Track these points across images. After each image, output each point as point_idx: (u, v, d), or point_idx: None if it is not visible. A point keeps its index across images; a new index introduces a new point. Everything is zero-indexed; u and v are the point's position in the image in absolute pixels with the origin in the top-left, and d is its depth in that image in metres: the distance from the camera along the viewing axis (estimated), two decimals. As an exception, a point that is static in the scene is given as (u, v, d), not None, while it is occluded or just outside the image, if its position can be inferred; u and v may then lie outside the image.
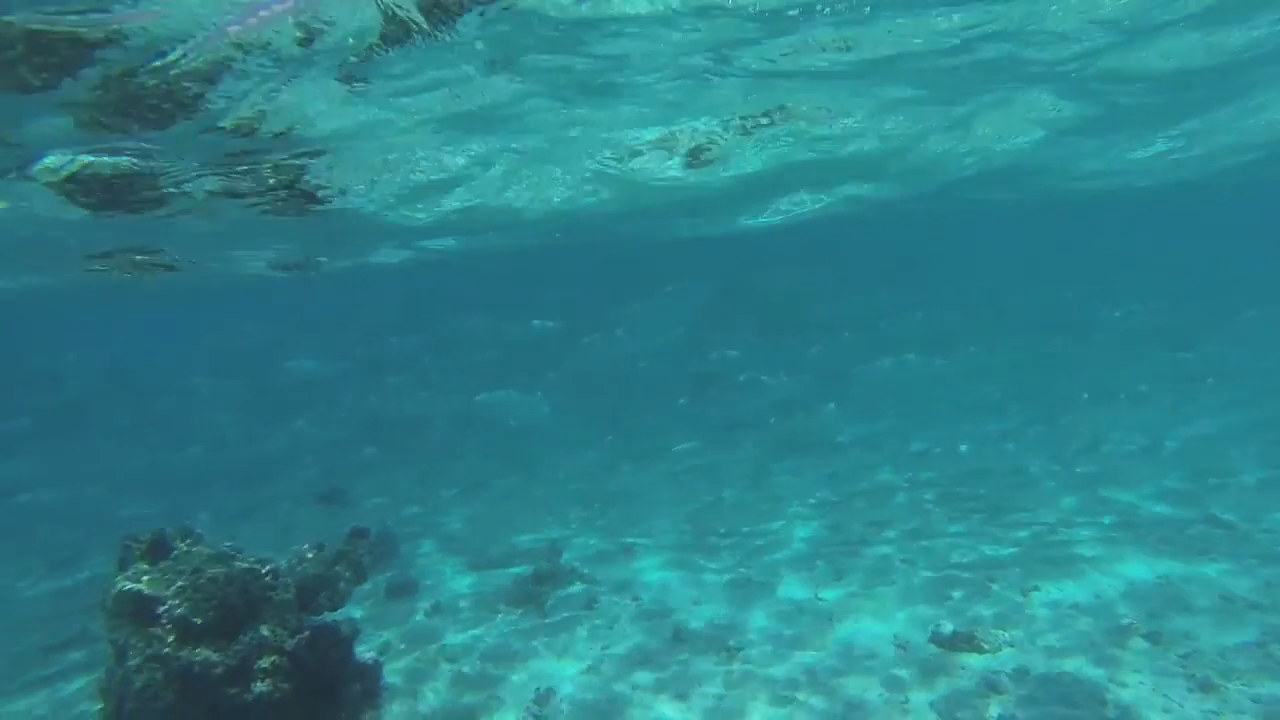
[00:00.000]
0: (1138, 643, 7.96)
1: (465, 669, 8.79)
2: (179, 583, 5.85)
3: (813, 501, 14.57)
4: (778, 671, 8.11)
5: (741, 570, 11.12)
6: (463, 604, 10.78)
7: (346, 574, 7.20)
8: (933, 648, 8.23)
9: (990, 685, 7.39)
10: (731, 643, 8.80)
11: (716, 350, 28.42)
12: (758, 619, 9.43)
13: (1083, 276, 37.57)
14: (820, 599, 9.82)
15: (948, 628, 8.37)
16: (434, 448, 23.08)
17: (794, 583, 10.44)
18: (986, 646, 8.03)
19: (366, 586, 8.20)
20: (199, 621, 5.79)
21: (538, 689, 8.12)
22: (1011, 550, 10.85)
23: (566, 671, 8.52)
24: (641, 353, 30.12)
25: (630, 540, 13.11)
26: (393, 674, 8.35)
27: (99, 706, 6.29)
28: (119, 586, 5.82)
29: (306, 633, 6.27)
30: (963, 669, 7.75)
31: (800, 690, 7.70)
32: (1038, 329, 30.24)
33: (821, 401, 23.22)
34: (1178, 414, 18.86)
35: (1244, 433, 16.41)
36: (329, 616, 6.79)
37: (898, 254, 35.53)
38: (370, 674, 7.10)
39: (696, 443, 20.51)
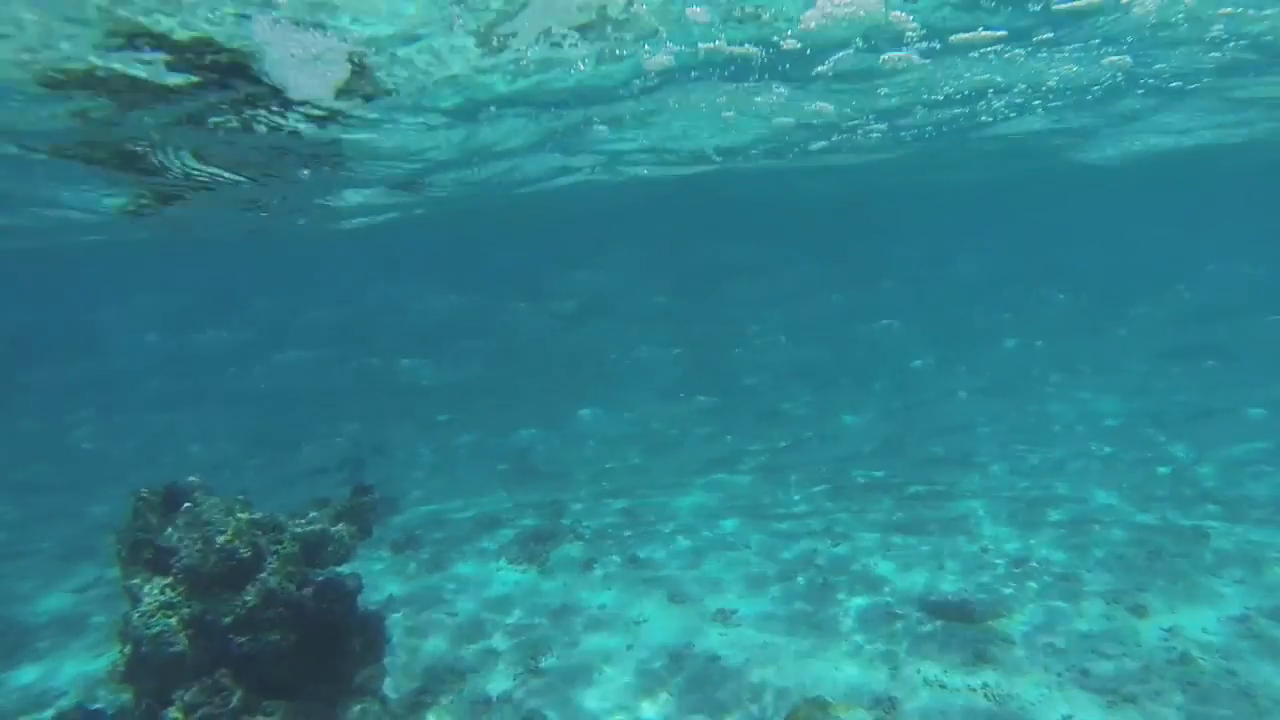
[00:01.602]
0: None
1: (465, 621, 9.08)
2: (191, 534, 6.00)
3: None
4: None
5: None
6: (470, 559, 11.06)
7: (351, 529, 7.36)
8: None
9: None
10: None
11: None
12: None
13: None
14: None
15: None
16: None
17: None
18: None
19: (370, 540, 8.38)
20: (207, 571, 5.95)
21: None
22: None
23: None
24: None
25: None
26: (395, 626, 8.61)
27: (118, 649, 6.51)
28: (131, 537, 5.98)
29: (311, 586, 6.45)
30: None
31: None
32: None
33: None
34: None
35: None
36: (334, 570, 6.96)
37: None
38: (373, 627, 7.30)
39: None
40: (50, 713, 7.76)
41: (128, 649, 6.27)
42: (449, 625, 9.02)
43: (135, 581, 6.03)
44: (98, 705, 7.45)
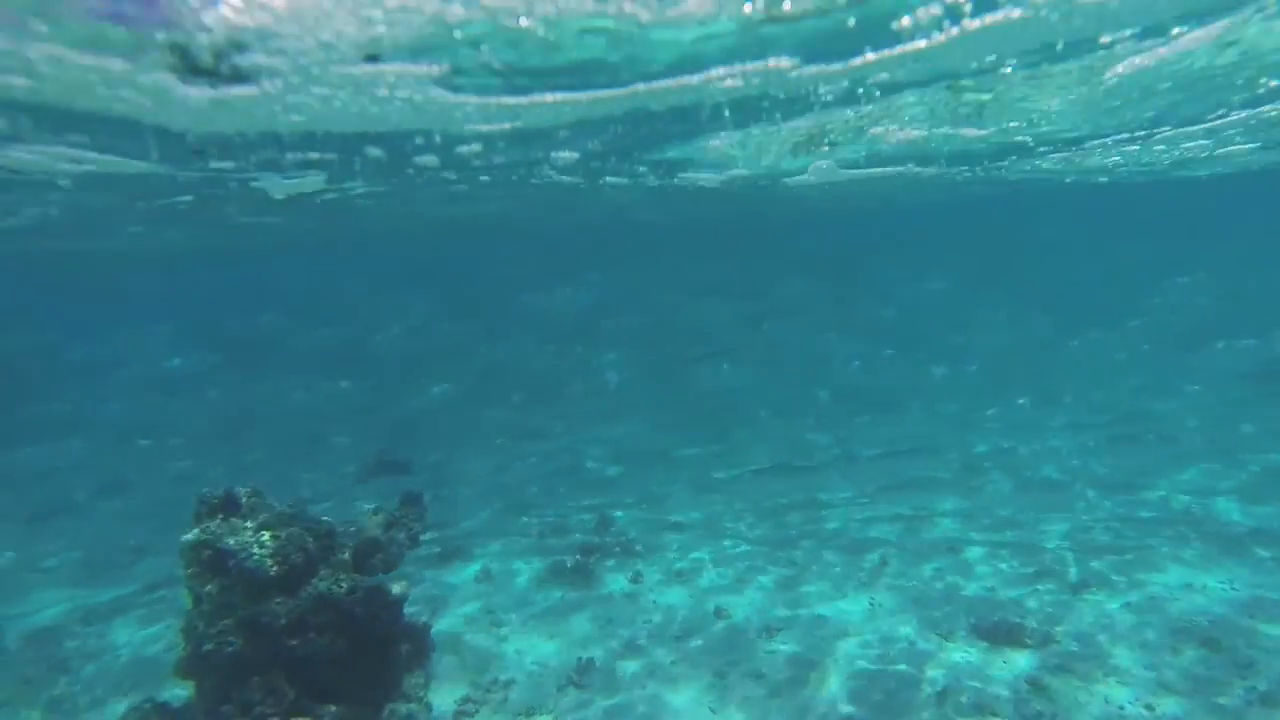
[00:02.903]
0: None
1: (511, 631, 9.16)
2: (246, 538, 6.26)
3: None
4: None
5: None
6: (516, 574, 11.17)
7: (400, 537, 7.55)
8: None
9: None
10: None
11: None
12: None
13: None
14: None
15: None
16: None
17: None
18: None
19: (419, 550, 8.57)
20: (262, 575, 6.20)
21: (579, 658, 8.39)
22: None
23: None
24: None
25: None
26: (441, 635, 8.75)
27: (181, 647, 6.84)
28: (192, 539, 6.28)
29: (360, 592, 6.63)
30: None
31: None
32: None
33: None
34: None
35: None
36: (382, 577, 7.14)
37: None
38: (419, 634, 7.46)
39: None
40: (123, 706, 8.19)
41: (190, 646, 6.57)
42: (494, 636, 9.12)
43: (196, 582, 6.33)
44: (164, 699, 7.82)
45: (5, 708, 8.53)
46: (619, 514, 13.68)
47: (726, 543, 11.88)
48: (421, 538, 7.81)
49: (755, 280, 35.24)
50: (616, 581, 10.51)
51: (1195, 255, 37.48)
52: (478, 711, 7.59)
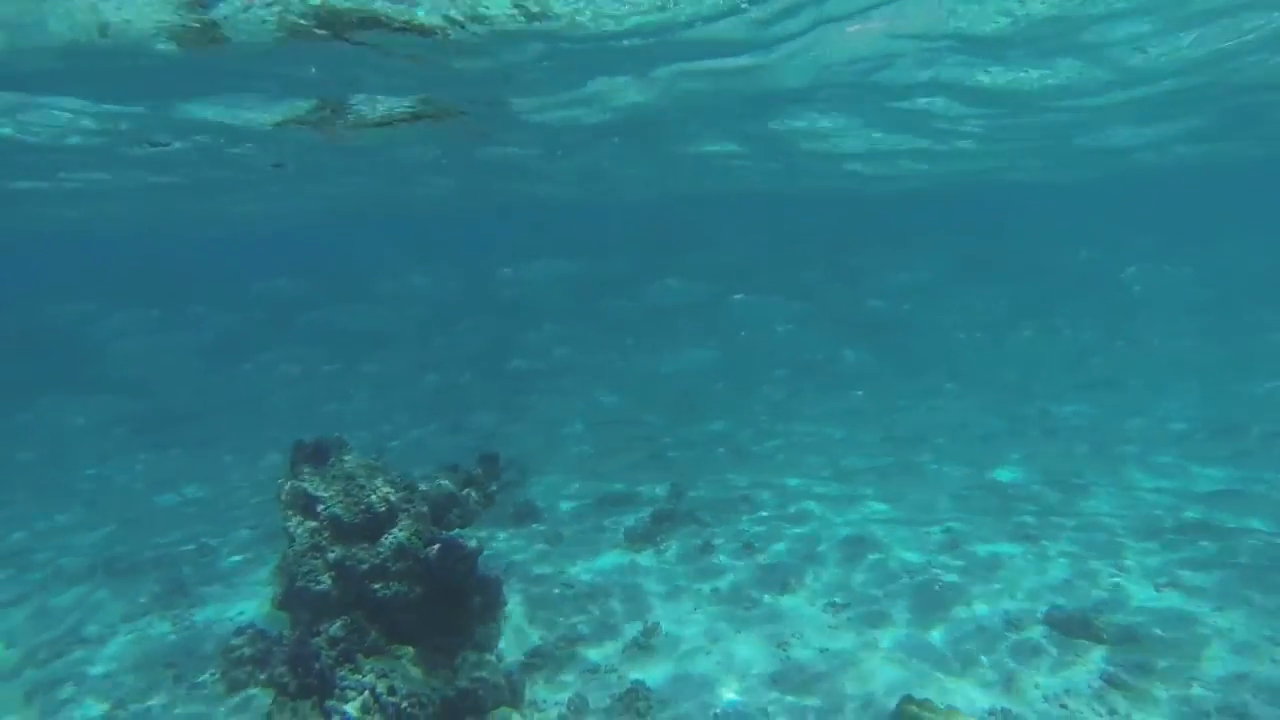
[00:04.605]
0: None
1: (579, 590, 9.39)
2: (335, 486, 6.65)
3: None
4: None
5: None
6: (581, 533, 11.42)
7: (477, 496, 7.83)
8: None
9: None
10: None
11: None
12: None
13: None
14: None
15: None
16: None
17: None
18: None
19: (495, 508, 8.87)
20: (348, 521, 6.57)
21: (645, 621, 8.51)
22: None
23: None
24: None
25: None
26: (511, 591, 9.07)
27: (278, 583, 7.41)
28: (289, 484, 6.72)
29: (437, 545, 6.92)
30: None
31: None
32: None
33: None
34: None
35: None
36: (458, 532, 7.44)
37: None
38: (492, 589, 7.74)
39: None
40: (232, 628, 8.99)
41: (284, 581, 7.09)
42: (564, 595, 9.37)
43: (291, 523, 6.79)
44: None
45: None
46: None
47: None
48: (496, 496, 8.07)
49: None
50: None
51: None
52: (545, 664, 7.85)
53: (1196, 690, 6.87)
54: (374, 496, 6.64)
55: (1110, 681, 7.06)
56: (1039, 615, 8.29)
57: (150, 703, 7.63)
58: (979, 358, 24.56)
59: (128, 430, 21.06)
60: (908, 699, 6.41)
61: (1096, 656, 7.47)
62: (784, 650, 7.93)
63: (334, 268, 37.75)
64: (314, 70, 9.41)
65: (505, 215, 32.26)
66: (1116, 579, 9.09)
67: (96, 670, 8.38)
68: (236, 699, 7.49)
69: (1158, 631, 7.85)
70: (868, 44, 10.00)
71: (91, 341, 27.53)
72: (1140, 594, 8.69)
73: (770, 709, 6.97)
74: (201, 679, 7.93)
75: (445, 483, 7.38)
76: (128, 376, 24.98)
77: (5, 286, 39.90)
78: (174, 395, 24.46)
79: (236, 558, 11.49)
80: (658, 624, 8.48)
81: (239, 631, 8.23)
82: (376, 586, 6.79)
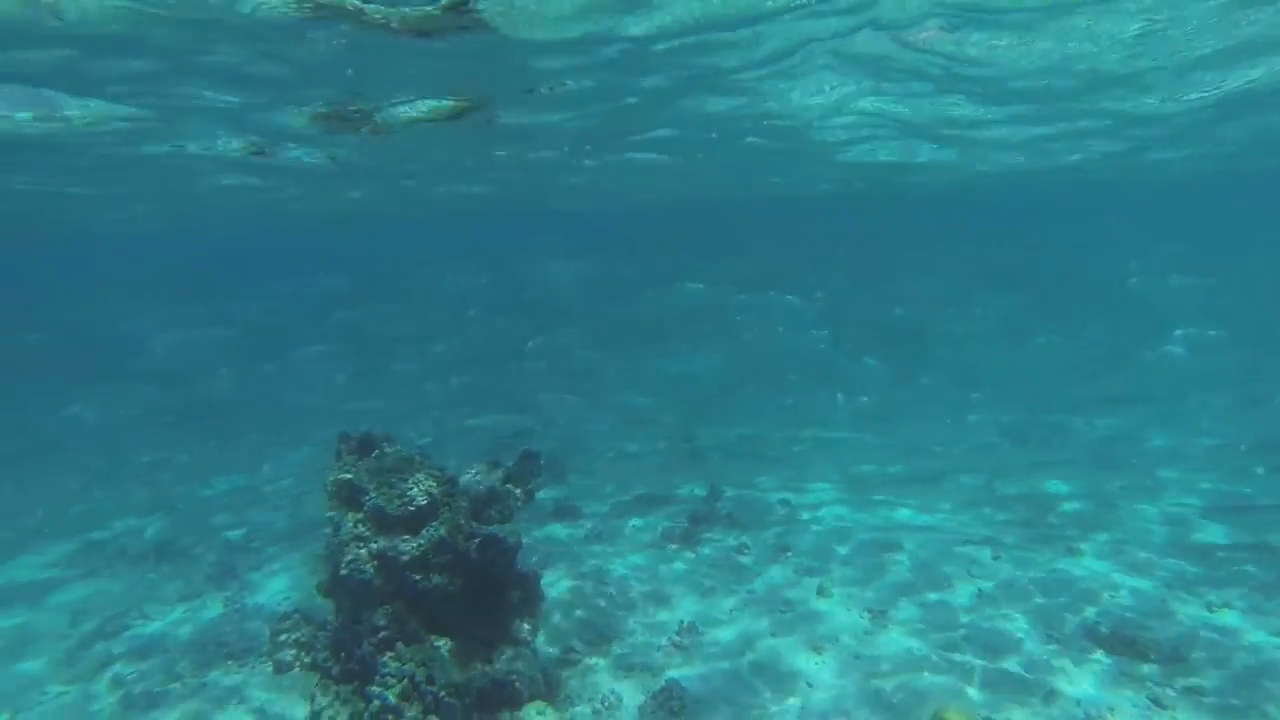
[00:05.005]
0: None
1: (617, 588, 9.44)
2: (379, 479, 6.81)
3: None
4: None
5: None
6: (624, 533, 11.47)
7: (516, 491, 7.93)
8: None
9: None
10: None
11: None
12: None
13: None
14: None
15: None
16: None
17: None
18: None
19: (534, 505, 8.97)
20: (391, 513, 6.73)
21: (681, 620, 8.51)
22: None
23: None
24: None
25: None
26: (550, 586, 9.16)
27: (323, 571, 7.64)
28: (334, 475, 6.92)
29: (477, 539, 7.04)
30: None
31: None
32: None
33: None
34: None
35: None
36: (498, 527, 7.54)
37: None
38: (530, 583, 7.82)
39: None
40: (279, 613, 9.29)
41: (329, 569, 7.30)
42: (601, 592, 9.42)
43: (335, 514, 6.98)
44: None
45: None
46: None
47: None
48: (536, 494, 8.16)
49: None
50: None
51: None
52: (581, 660, 7.91)
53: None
54: (416, 490, 6.79)
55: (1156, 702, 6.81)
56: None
57: (205, 679, 7.93)
58: (1003, 365, 23.95)
59: (171, 421, 21.88)
60: (944, 708, 6.29)
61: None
62: (819, 654, 7.85)
63: (368, 267, 38.69)
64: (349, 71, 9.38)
65: (531, 217, 32.56)
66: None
67: (155, 646, 8.76)
68: (285, 679, 7.73)
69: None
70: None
71: (133, 335, 28.73)
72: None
73: (804, 711, 6.90)
74: (251, 659, 8.21)
75: (486, 478, 7.49)
76: (168, 370, 26.01)
77: (52, 283, 41.70)
78: (212, 389, 25.34)
79: (280, 545, 11.86)
80: (694, 624, 8.48)
81: (284, 617, 8.49)
82: (417, 578, 6.94)
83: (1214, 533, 10.81)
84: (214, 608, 9.69)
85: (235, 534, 12.57)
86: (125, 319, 30.35)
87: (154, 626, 9.33)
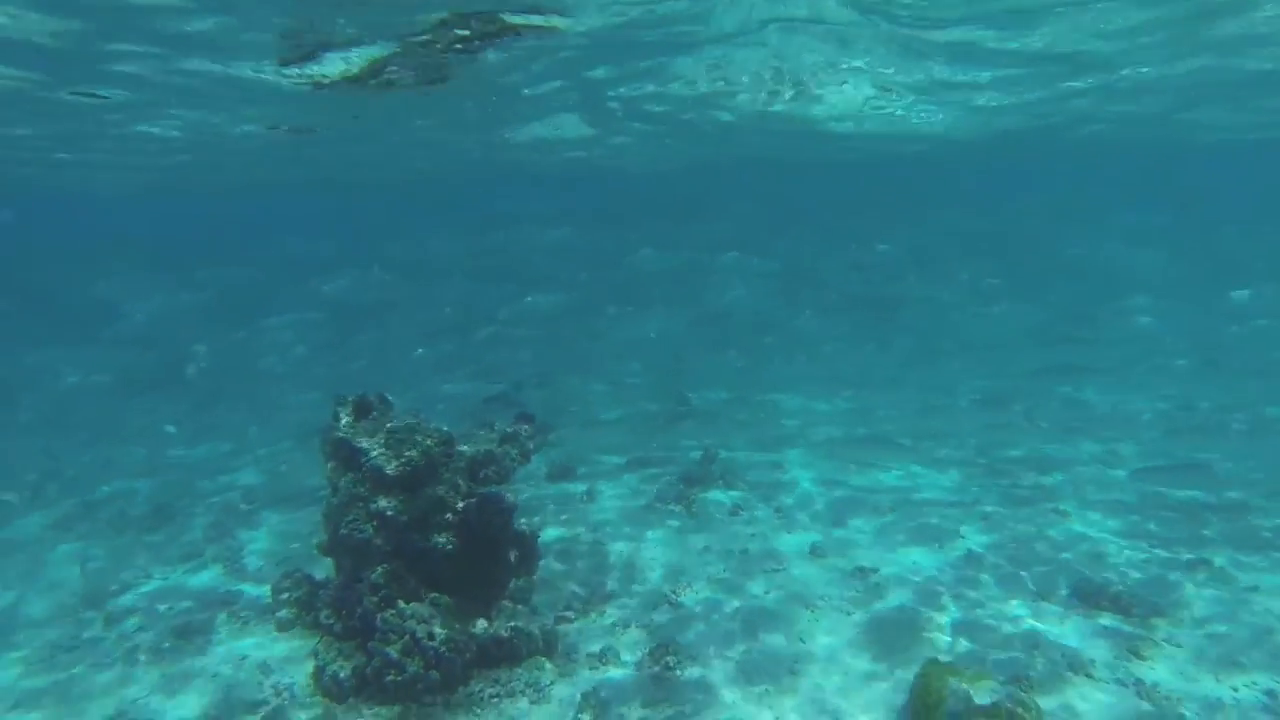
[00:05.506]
0: None
1: (613, 547, 9.60)
2: (376, 438, 6.84)
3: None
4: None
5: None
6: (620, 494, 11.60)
7: (512, 453, 7.99)
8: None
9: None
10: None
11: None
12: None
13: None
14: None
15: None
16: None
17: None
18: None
19: (529, 466, 9.05)
20: (389, 474, 6.77)
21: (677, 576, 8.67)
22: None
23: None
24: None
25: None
26: (546, 548, 9.29)
27: (324, 530, 7.72)
28: (333, 434, 6.93)
29: (474, 499, 7.11)
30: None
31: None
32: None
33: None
34: None
35: None
36: (495, 487, 7.62)
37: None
38: (527, 543, 7.95)
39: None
40: (278, 573, 9.40)
41: (329, 529, 7.38)
42: (598, 551, 9.57)
43: (334, 474, 7.02)
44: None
45: None
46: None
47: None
48: (533, 455, 8.22)
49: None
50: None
51: None
52: (579, 617, 8.06)
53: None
54: (414, 451, 6.82)
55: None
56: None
57: (210, 636, 8.06)
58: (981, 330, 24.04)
59: (146, 385, 21.74)
60: (933, 660, 6.48)
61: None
62: (811, 610, 8.04)
63: (345, 234, 38.09)
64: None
65: (504, 183, 31.96)
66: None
67: (160, 603, 8.88)
68: (286, 636, 7.86)
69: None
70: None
71: (109, 301, 28.28)
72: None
73: (797, 667, 7.10)
74: (253, 617, 8.33)
75: (483, 439, 7.53)
76: (143, 335, 25.72)
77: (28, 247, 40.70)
78: (190, 354, 25.08)
79: (277, 506, 11.95)
80: (689, 582, 8.64)
81: (286, 575, 8.60)
82: (416, 537, 7.03)
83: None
84: (214, 567, 9.81)
85: (232, 495, 12.66)
86: (96, 283, 29.85)
87: (155, 584, 9.46)
